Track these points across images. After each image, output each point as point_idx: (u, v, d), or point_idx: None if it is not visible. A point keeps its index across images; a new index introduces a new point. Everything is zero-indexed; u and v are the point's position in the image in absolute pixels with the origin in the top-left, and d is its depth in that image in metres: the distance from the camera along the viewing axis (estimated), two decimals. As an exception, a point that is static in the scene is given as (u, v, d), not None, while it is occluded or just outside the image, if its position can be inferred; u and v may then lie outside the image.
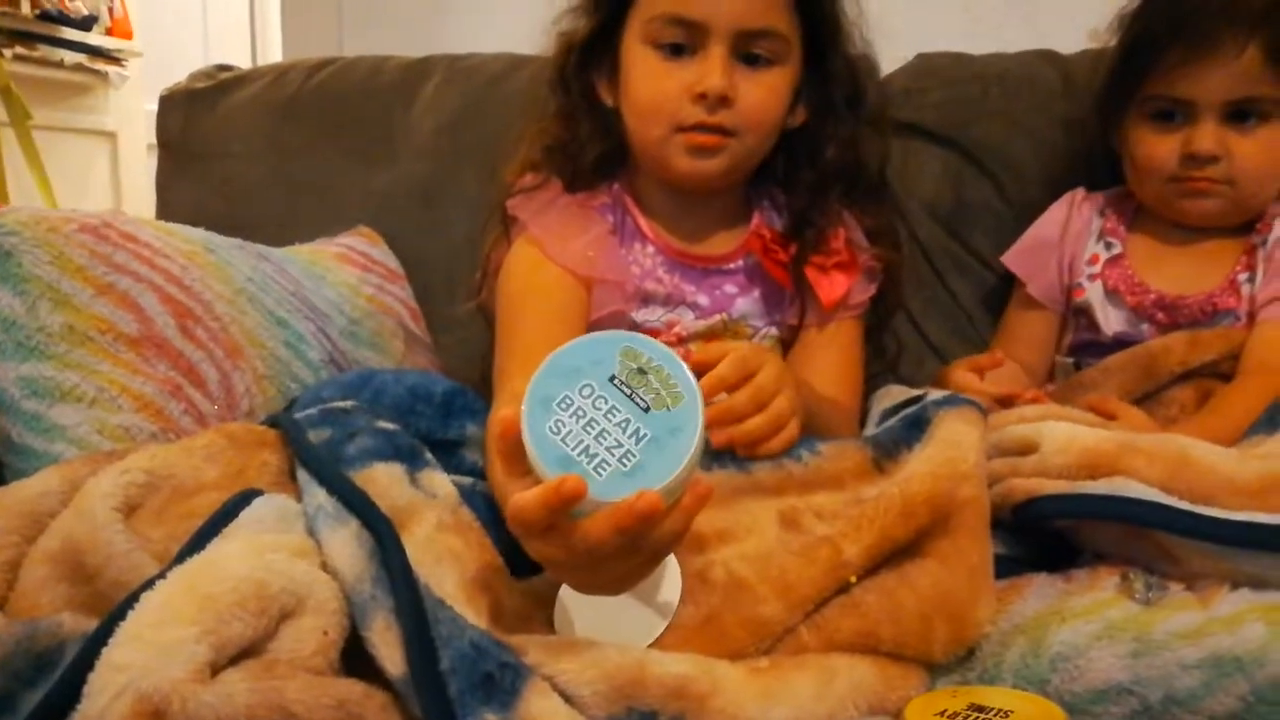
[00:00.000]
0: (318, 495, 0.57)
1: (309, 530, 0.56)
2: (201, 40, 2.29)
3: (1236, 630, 0.54)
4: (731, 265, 0.88)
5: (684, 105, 0.79)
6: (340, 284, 1.05)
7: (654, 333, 0.86)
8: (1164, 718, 0.53)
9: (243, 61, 1.73)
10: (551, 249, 0.82)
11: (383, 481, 0.60)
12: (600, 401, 0.49)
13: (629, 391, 0.49)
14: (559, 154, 0.87)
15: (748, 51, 0.80)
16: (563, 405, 0.49)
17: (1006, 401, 0.82)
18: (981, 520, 0.59)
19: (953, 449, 0.62)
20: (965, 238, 1.09)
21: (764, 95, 0.80)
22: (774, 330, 0.88)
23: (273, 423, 0.70)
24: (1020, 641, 0.56)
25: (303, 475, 0.60)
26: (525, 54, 1.15)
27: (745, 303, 0.87)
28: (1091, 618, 0.56)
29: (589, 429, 0.48)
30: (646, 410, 0.49)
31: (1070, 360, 0.95)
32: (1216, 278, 0.89)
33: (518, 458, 0.49)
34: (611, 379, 0.49)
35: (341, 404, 0.70)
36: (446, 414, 0.81)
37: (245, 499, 0.57)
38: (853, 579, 0.54)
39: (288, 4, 1.57)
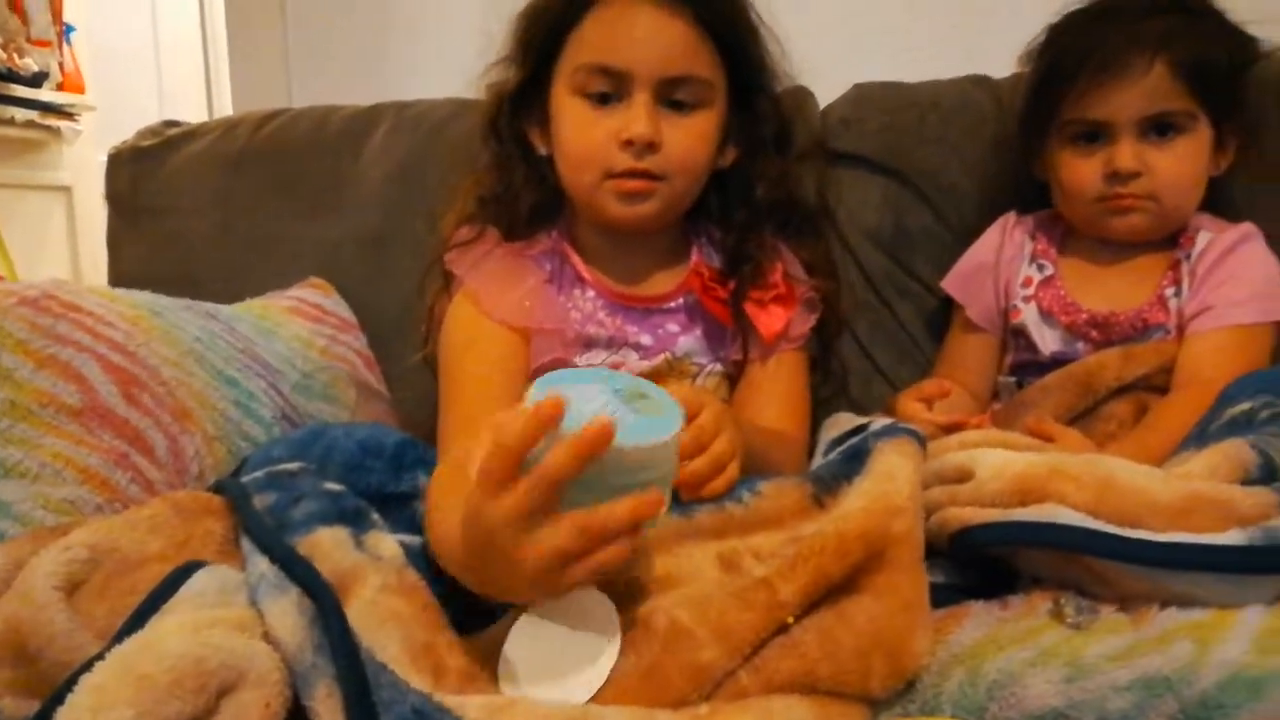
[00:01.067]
0: (260, 564, 0.57)
1: (251, 600, 0.56)
2: (155, 90, 2.28)
3: (1165, 650, 0.55)
4: (672, 304, 0.89)
5: (612, 152, 0.81)
6: (292, 338, 1.05)
7: None
8: (1097, 740, 0.54)
9: (198, 110, 1.73)
10: (488, 303, 0.84)
11: (327, 545, 0.60)
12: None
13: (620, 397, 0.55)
14: (494, 204, 0.89)
15: (672, 98, 0.82)
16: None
17: (952, 429, 0.84)
18: (916, 554, 0.60)
19: (888, 483, 0.63)
20: (908, 263, 1.12)
21: (690, 139, 0.82)
22: (718, 366, 0.90)
23: (219, 488, 0.70)
24: (958, 671, 0.57)
25: (246, 543, 0.60)
26: (472, 98, 1.16)
27: (688, 340, 0.89)
28: (1026, 644, 0.57)
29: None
30: (635, 412, 0.54)
31: (1013, 380, 0.97)
32: (1145, 294, 0.91)
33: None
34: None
35: (288, 466, 0.70)
36: (398, 467, 0.81)
37: (186, 572, 0.58)
38: (790, 619, 0.55)
39: (235, 55, 1.58)
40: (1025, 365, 0.97)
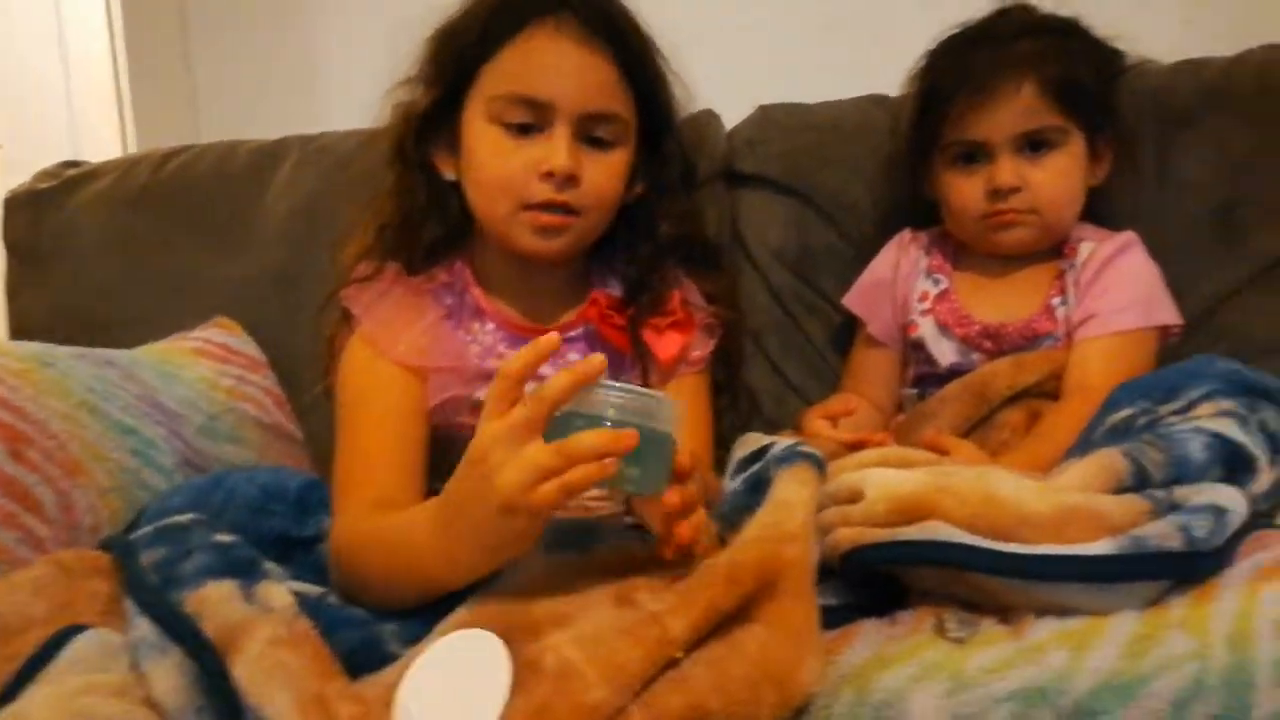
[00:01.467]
0: (141, 625, 0.56)
1: (133, 663, 0.55)
2: (67, 128, 2.21)
3: (1041, 659, 0.57)
4: (572, 334, 0.90)
5: (531, 183, 0.81)
6: (196, 380, 1.04)
7: None
8: (979, 751, 0.56)
9: (112, 147, 1.69)
10: (383, 344, 0.84)
11: (215, 600, 0.60)
12: None
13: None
14: (396, 233, 0.88)
15: (591, 134, 0.83)
16: None
17: (856, 447, 0.86)
18: (807, 580, 0.61)
19: (781, 510, 0.64)
20: (814, 281, 1.14)
21: (606, 175, 0.84)
22: None
23: (107, 545, 0.69)
24: (847, 691, 0.58)
25: (128, 604, 0.59)
26: (380, 127, 1.16)
27: None
28: (910, 661, 0.59)
29: None
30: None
31: (914, 392, 1.00)
32: (1033, 305, 0.94)
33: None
34: None
35: (179, 519, 0.69)
36: (302, 510, 0.81)
37: (65, 637, 0.56)
38: (680, 654, 0.56)
39: (138, 92, 1.55)
40: (925, 377, 0.99)
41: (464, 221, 0.88)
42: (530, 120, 0.81)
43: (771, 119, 1.20)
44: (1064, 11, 0.98)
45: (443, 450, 0.86)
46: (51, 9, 1.74)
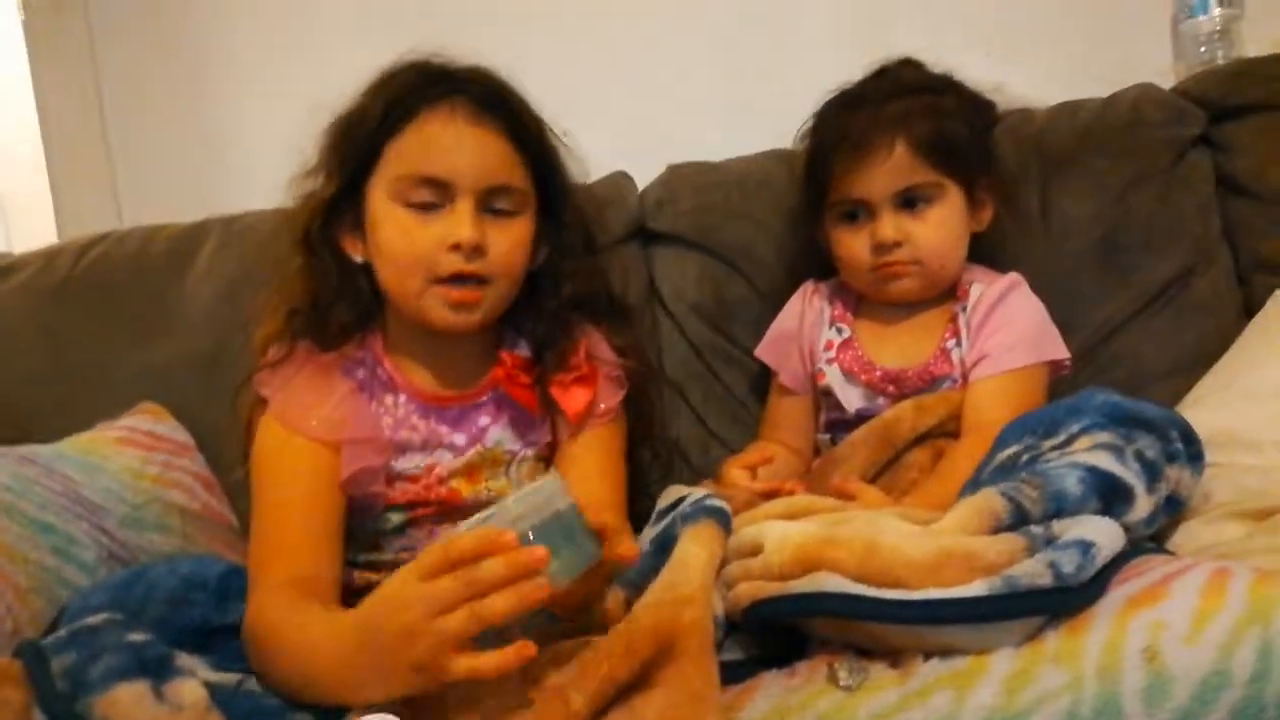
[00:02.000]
0: (48, 736, 0.57)
1: (40, 774, 0.55)
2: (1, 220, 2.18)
3: (926, 702, 0.60)
4: (482, 399, 0.93)
5: (439, 257, 0.84)
6: (121, 470, 1.04)
7: (414, 478, 0.90)
8: (873, 797, 0.58)
9: (47, 232, 1.69)
10: (295, 421, 0.86)
11: (125, 703, 0.61)
12: None
13: None
14: (306, 317, 0.90)
15: (493, 206, 0.86)
16: None
17: (770, 495, 0.88)
18: (705, 640, 0.64)
19: (679, 572, 0.67)
20: (729, 333, 1.17)
21: (511, 243, 0.87)
22: (529, 451, 0.93)
23: (19, 652, 0.69)
24: (747, 748, 0.61)
25: (36, 715, 0.60)
26: (288, 210, 1.17)
27: (497, 430, 0.92)
28: (805, 711, 0.61)
29: None
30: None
31: (828, 437, 1.03)
32: (929, 349, 0.99)
33: None
34: None
35: (91, 620, 0.69)
36: (223, 598, 0.82)
37: (-29, 753, 0.57)
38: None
39: (56, 180, 1.55)
40: (836, 423, 1.03)
41: (374, 301, 0.91)
42: (433, 199, 0.85)
43: (680, 177, 1.24)
44: (949, 65, 1.03)
45: (359, 519, 0.89)
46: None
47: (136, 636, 0.68)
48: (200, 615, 0.80)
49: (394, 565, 0.84)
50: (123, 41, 1.56)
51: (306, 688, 0.68)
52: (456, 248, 0.84)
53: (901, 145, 0.94)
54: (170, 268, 1.25)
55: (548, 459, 0.94)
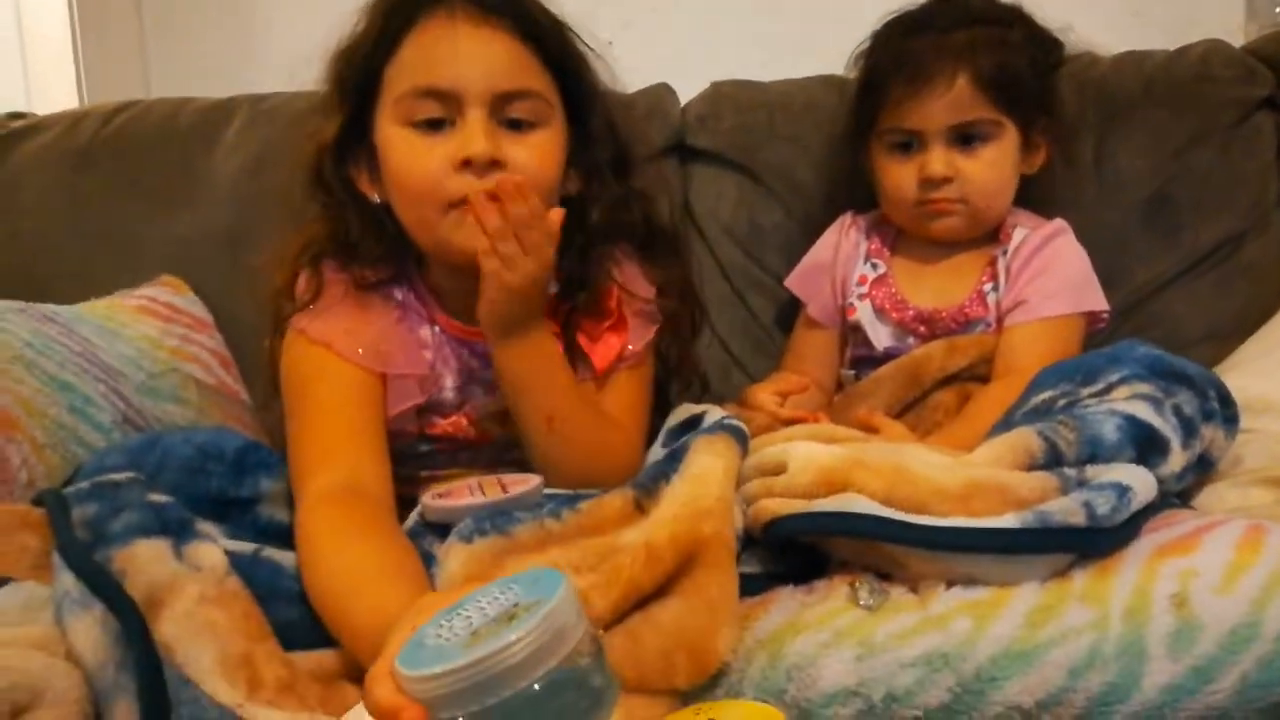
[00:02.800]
0: (65, 580, 0.57)
1: (56, 617, 0.55)
2: (21, 80, 2.15)
3: (946, 627, 0.60)
4: None
5: (451, 178, 0.75)
6: (139, 338, 1.03)
7: (447, 414, 0.85)
8: (886, 714, 0.58)
9: (69, 101, 1.66)
10: (339, 346, 0.79)
11: (144, 558, 0.60)
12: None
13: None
14: (331, 256, 0.82)
15: (509, 117, 0.77)
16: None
17: (791, 424, 0.87)
18: (724, 552, 0.63)
19: (699, 485, 0.66)
20: (760, 258, 1.15)
21: (532, 156, 0.77)
22: None
23: (40, 499, 0.69)
24: (761, 656, 0.60)
25: (55, 559, 0.60)
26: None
27: None
28: (822, 627, 0.61)
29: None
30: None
31: (852, 373, 1.02)
32: (966, 290, 0.97)
33: None
34: None
35: (115, 476, 0.69)
36: (239, 471, 0.80)
37: (-12, 590, 0.57)
38: (600, 632, 0.57)
39: (87, 44, 1.52)
40: (863, 360, 1.01)
41: (401, 241, 0.82)
42: (440, 114, 0.76)
43: (724, 95, 1.21)
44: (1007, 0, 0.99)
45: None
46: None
47: (158, 497, 0.67)
48: (216, 486, 0.78)
49: (412, 475, 0.83)
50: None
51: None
52: (468, 164, 0.74)
53: (964, 78, 0.91)
54: (196, 140, 1.22)
55: None
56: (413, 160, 0.76)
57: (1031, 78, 0.94)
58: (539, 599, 0.45)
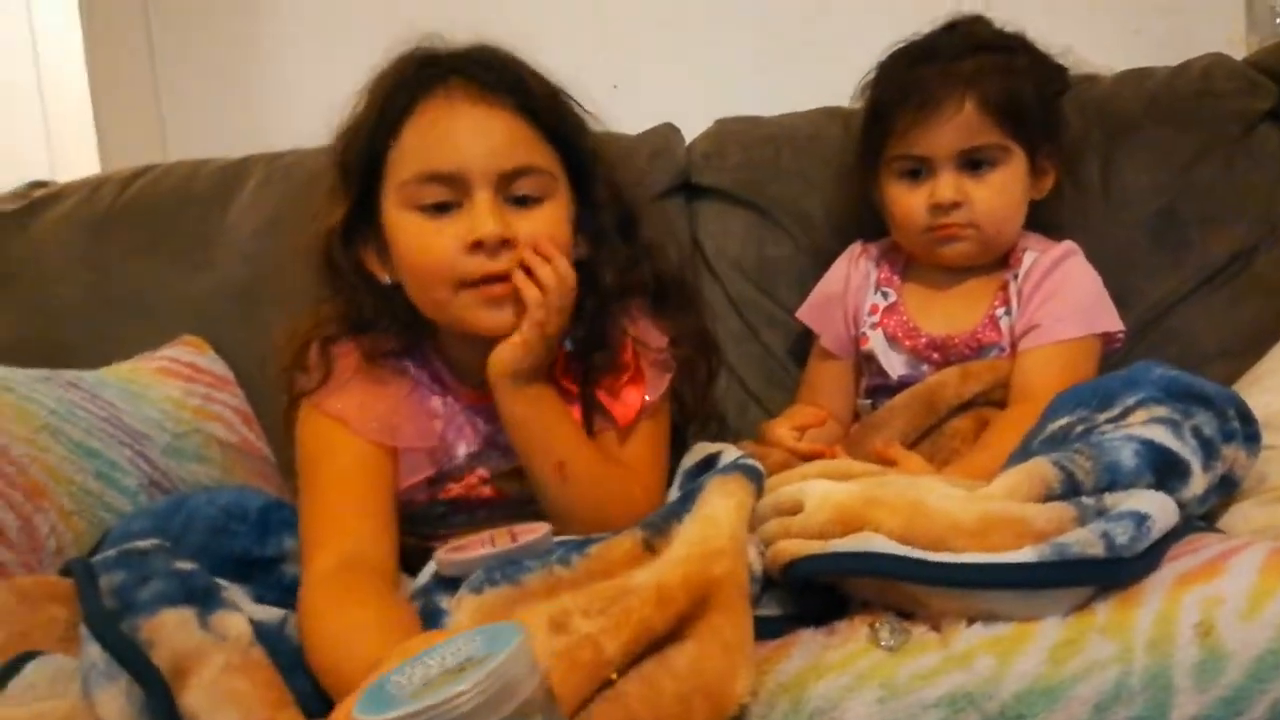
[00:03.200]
0: (92, 651, 0.58)
1: (84, 689, 0.56)
2: (44, 144, 2.19)
3: (969, 666, 0.59)
4: None
5: (461, 260, 0.76)
6: (162, 399, 1.05)
7: (459, 479, 0.86)
8: (912, 756, 0.58)
9: (90, 163, 1.70)
10: (351, 420, 0.80)
11: (171, 627, 0.61)
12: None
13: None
14: (348, 335, 0.83)
15: (515, 194, 0.78)
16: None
17: (810, 458, 0.87)
18: (738, 593, 0.63)
19: (709, 525, 0.66)
20: (771, 292, 1.16)
21: (541, 230, 0.78)
22: None
23: (68, 569, 0.70)
24: (783, 700, 0.60)
25: (82, 630, 0.60)
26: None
27: None
28: (845, 670, 0.60)
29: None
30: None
31: (868, 403, 1.02)
32: (977, 316, 0.96)
33: None
34: None
35: (141, 544, 0.70)
36: (263, 530, 0.82)
37: (20, 663, 0.58)
38: (614, 675, 0.57)
39: (101, 110, 1.56)
40: (878, 389, 1.01)
41: (413, 317, 0.83)
42: (446, 197, 0.77)
43: (728, 131, 1.22)
44: (1011, 27, 1.00)
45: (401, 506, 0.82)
46: (25, 23, 1.74)
47: (184, 565, 0.68)
48: (241, 546, 0.80)
49: (428, 540, 0.84)
50: (172, -26, 1.55)
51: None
52: (479, 246, 0.75)
53: (971, 103, 0.92)
54: (214, 201, 1.25)
55: None
56: (422, 243, 0.77)
57: (1037, 103, 0.94)
58: (492, 653, 0.46)
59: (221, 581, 0.70)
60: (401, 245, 0.79)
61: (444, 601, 0.68)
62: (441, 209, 0.77)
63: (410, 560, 0.80)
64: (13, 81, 1.74)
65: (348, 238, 0.81)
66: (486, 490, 0.86)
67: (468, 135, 0.77)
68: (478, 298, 0.77)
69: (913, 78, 0.94)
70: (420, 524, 0.84)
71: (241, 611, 0.66)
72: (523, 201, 0.78)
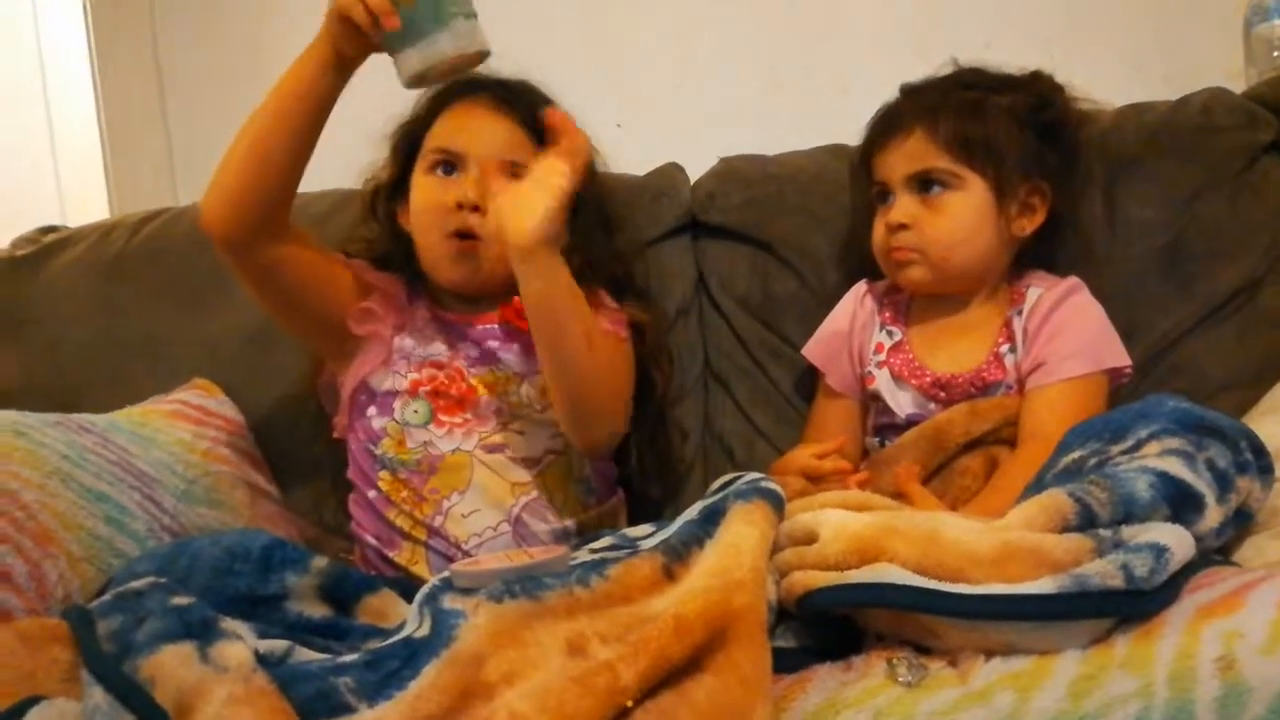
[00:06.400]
0: (95, 694, 0.57)
1: (90, 733, 0.56)
2: (55, 190, 2.21)
3: (988, 703, 0.58)
4: (492, 324, 1.01)
5: (451, 213, 0.97)
6: (173, 443, 1.05)
7: (439, 364, 1.00)
8: (929, 795, 0.57)
9: (100, 209, 1.71)
10: (359, 268, 1.02)
11: (171, 664, 0.60)
12: None
13: None
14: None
15: (509, 175, 0.95)
16: None
17: (835, 475, 0.90)
18: (757, 626, 0.63)
19: (731, 556, 0.66)
20: (778, 328, 1.16)
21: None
22: (539, 374, 0.97)
23: (66, 614, 0.70)
24: (801, 738, 0.59)
25: (84, 673, 0.60)
26: (353, 189, 1.18)
27: (507, 354, 1.00)
28: (862, 707, 0.60)
29: None
30: None
31: (877, 440, 1.01)
32: (982, 354, 0.96)
33: None
34: None
35: (136, 585, 0.70)
36: (266, 569, 0.81)
37: (24, 707, 0.57)
38: (629, 703, 0.57)
39: (116, 156, 1.57)
40: (886, 427, 1.00)
41: (415, 268, 1.04)
42: (451, 163, 0.99)
43: (732, 170, 1.23)
44: (1012, 65, 1.02)
45: (385, 410, 0.99)
46: (36, 68, 1.77)
47: (180, 600, 0.68)
48: (245, 585, 0.79)
49: (418, 463, 0.96)
50: (183, 22, 1.58)
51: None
52: (461, 206, 0.96)
53: (920, 130, 0.95)
54: (224, 246, 1.25)
55: None
56: (427, 195, 1.00)
57: (1010, 141, 0.95)
58: None
59: (223, 617, 0.69)
60: (415, 198, 1.01)
61: (452, 601, 0.68)
62: (447, 172, 0.99)
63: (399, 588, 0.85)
64: (24, 126, 1.77)
65: (389, 197, 1.06)
66: (464, 385, 0.98)
67: (475, 129, 1.00)
68: (451, 249, 0.97)
69: (887, 108, 1.00)
70: (400, 443, 0.98)
71: (242, 641, 0.66)
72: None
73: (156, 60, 1.60)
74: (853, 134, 1.18)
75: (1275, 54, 1.26)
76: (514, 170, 0.95)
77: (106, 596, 0.69)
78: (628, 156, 1.19)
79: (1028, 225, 0.98)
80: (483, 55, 0.84)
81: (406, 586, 0.84)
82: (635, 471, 1.07)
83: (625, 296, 1.05)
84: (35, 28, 1.84)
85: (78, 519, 0.86)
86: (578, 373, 0.90)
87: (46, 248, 1.30)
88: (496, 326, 1.01)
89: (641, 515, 1.05)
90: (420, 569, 0.96)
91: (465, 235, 0.96)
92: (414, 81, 0.84)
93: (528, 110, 0.99)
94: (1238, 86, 1.19)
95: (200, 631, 0.64)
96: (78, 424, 0.97)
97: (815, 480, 0.92)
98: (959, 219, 0.95)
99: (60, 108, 1.92)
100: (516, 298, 0.97)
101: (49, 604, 0.80)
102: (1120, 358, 0.95)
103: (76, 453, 0.91)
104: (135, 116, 1.60)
